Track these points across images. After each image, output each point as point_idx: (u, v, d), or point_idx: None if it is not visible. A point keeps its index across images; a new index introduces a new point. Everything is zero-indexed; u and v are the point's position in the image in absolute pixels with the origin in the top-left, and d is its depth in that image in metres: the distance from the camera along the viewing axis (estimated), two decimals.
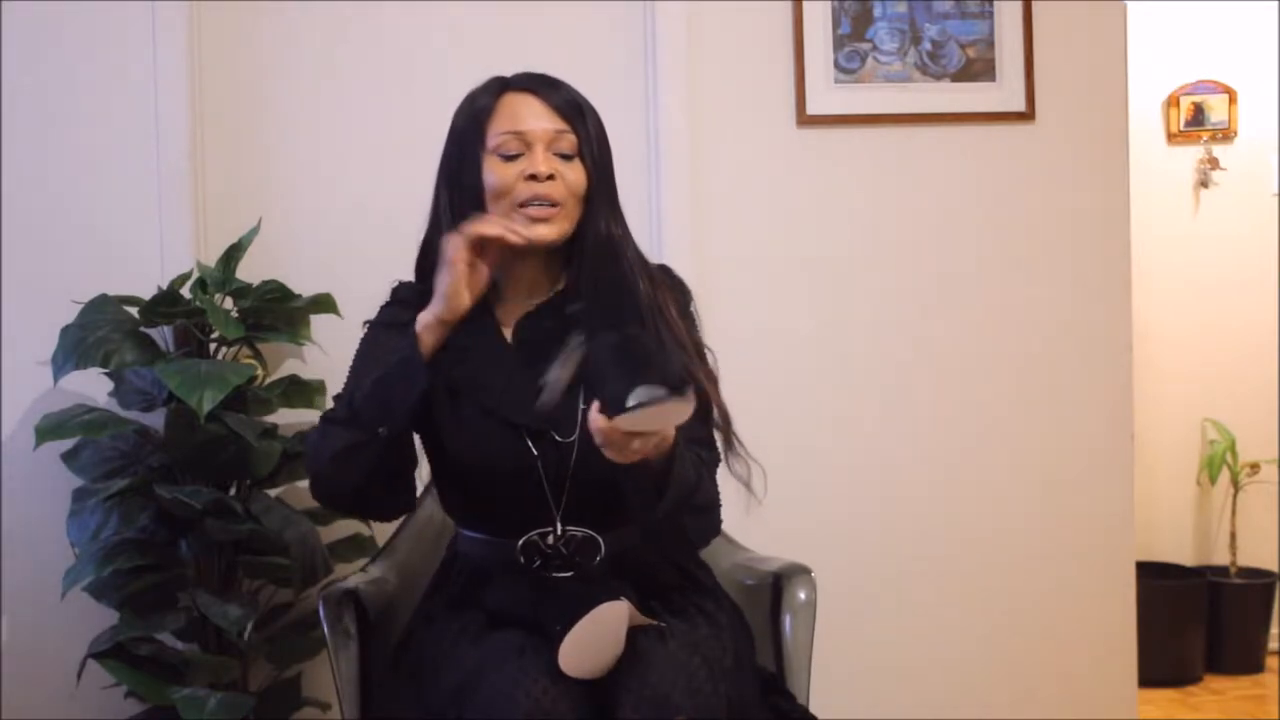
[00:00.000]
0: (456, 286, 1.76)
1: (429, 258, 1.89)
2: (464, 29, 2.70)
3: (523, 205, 1.82)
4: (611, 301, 1.80)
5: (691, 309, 1.95)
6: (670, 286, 1.94)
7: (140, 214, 2.59)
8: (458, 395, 1.84)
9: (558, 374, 1.78)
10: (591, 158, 1.87)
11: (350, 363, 1.90)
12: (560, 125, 1.86)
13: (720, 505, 1.87)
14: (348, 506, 1.94)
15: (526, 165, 1.83)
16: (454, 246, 1.76)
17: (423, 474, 2.10)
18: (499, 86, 1.90)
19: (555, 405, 1.77)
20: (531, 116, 1.85)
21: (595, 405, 1.60)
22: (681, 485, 1.73)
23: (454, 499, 1.96)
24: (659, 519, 1.74)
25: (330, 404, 1.87)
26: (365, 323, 1.94)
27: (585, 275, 1.86)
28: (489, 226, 1.77)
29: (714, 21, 2.77)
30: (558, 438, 1.82)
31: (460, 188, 1.86)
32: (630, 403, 1.55)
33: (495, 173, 1.84)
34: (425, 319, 1.78)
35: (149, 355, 2.38)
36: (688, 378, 1.60)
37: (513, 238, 1.77)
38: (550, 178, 1.82)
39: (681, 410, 1.58)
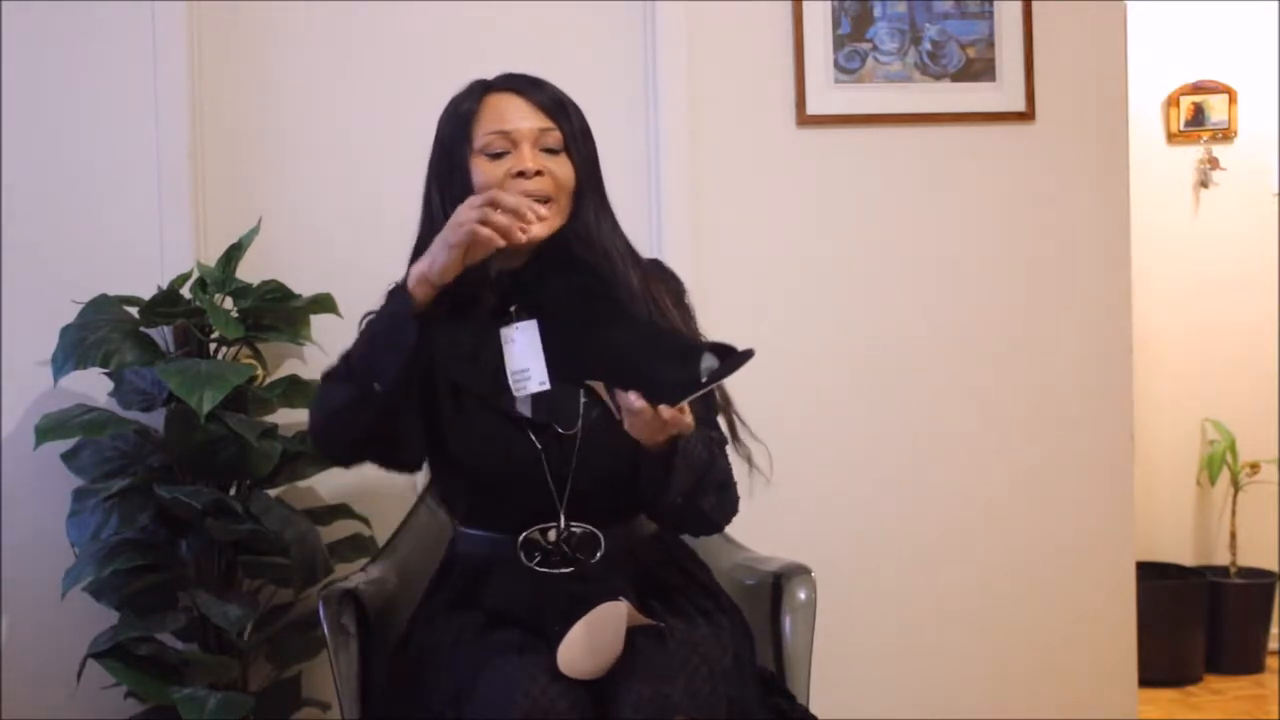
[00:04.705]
0: (456, 254, 1.74)
1: None
2: (464, 29, 2.70)
3: None
4: (603, 294, 1.81)
5: (686, 300, 1.96)
6: (663, 279, 1.95)
7: (140, 214, 2.59)
8: (459, 391, 1.85)
9: (529, 362, 1.79)
10: (578, 152, 1.88)
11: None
12: (545, 122, 1.87)
13: (736, 483, 1.88)
14: (348, 461, 1.93)
15: (514, 163, 1.84)
16: (469, 208, 1.74)
17: (418, 481, 2.12)
18: (481, 89, 1.91)
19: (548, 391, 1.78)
20: (517, 115, 1.86)
21: (638, 397, 1.62)
22: (691, 461, 1.73)
23: (456, 496, 1.96)
24: (678, 502, 1.74)
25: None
26: (363, 317, 1.93)
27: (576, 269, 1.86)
28: (507, 198, 1.75)
29: (714, 21, 2.77)
30: (560, 430, 1.82)
31: (450, 191, 1.87)
32: (705, 378, 1.59)
33: (483, 171, 1.85)
34: (417, 272, 1.76)
35: (149, 355, 2.38)
36: (716, 344, 1.63)
37: (517, 233, 1.75)
38: (539, 173, 1.84)
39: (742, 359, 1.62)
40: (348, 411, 1.79)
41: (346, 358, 1.82)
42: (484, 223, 1.73)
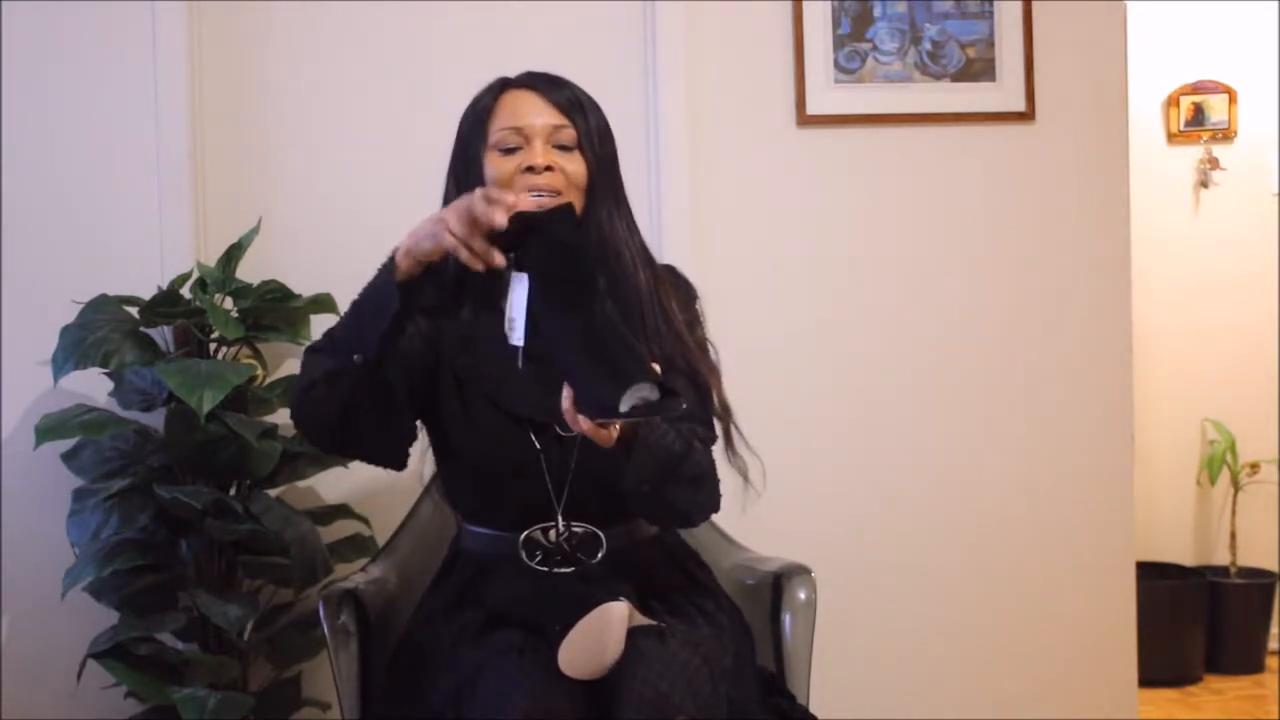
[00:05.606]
0: (432, 247, 1.68)
1: None
2: (464, 29, 2.70)
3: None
4: (611, 290, 1.81)
5: (696, 306, 1.96)
6: (674, 284, 1.95)
7: (140, 214, 2.59)
8: (463, 386, 1.85)
9: (520, 315, 1.74)
10: (592, 150, 1.88)
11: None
12: (559, 120, 1.87)
13: (718, 481, 1.86)
14: (326, 439, 1.86)
15: (524, 158, 1.85)
16: (444, 226, 1.66)
17: (424, 473, 2.12)
18: (500, 85, 1.93)
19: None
20: (531, 112, 1.87)
21: (568, 396, 1.59)
22: (655, 450, 1.71)
23: (459, 492, 1.97)
24: (645, 489, 1.72)
25: None
26: None
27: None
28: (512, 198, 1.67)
29: (714, 21, 2.77)
30: (561, 432, 1.82)
31: (466, 185, 1.87)
32: (624, 408, 1.55)
33: (494, 165, 1.86)
34: (403, 247, 1.72)
35: (149, 355, 2.38)
36: (660, 381, 1.58)
37: (477, 264, 1.67)
38: (548, 169, 1.84)
39: (671, 409, 1.57)
40: (324, 384, 1.76)
41: (330, 332, 1.81)
42: (464, 244, 1.66)
